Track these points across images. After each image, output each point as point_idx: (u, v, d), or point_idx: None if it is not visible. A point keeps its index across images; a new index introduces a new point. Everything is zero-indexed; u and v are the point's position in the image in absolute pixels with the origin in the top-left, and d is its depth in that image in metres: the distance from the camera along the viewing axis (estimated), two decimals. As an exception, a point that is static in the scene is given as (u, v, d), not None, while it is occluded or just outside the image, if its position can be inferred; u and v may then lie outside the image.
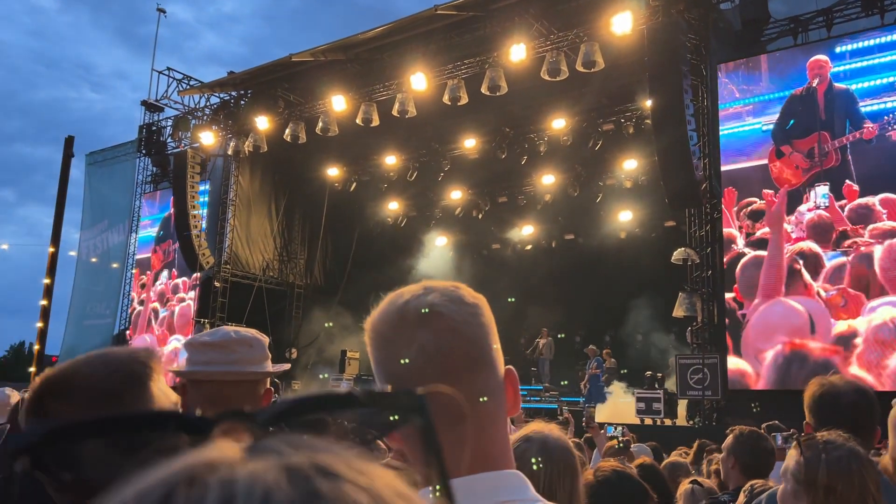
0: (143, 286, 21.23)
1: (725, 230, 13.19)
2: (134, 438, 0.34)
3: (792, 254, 12.80)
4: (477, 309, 0.97)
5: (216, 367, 1.71)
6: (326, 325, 19.01)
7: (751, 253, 13.07)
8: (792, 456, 1.91)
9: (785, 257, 12.80)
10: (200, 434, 0.33)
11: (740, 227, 13.24)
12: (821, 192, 12.99)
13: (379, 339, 0.95)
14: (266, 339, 1.85)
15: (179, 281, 20.30)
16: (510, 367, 1.00)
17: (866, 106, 12.75)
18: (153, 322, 20.52)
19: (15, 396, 3.80)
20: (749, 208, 13.29)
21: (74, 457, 0.35)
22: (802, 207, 12.91)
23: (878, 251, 12.20)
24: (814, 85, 13.15)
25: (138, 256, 21.59)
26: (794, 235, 12.92)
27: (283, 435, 0.32)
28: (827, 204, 12.88)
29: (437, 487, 0.36)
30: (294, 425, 0.34)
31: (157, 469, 0.29)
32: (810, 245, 12.79)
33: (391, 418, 0.38)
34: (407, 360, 0.92)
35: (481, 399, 0.93)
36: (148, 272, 21.28)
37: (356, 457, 0.31)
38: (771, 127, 13.42)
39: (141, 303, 21.11)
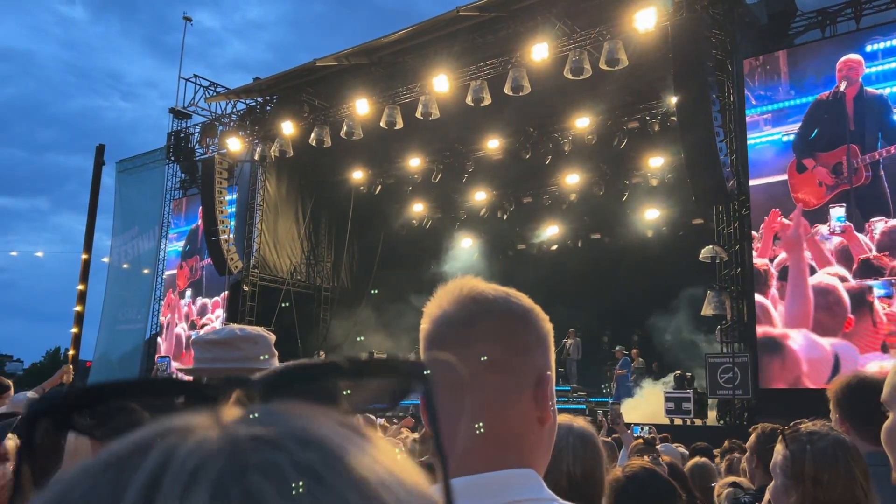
0: (169, 306, 21.29)
1: (759, 261, 12.39)
2: (149, 404, 0.35)
3: (821, 283, 11.69)
4: (522, 301, 0.99)
5: (221, 363, 1.73)
6: (359, 338, 19.10)
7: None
8: (779, 451, 1.90)
9: (810, 285, 11.80)
10: (206, 402, 0.34)
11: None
12: (835, 214, 11.81)
13: (425, 317, 1.01)
14: (272, 337, 1.86)
15: (209, 301, 20.29)
16: (549, 373, 0.97)
17: None
18: (184, 347, 20.30)
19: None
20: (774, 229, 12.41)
21: (94, 419, 0.35)
22: (824, 230, 11.87)
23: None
24: (842, 89, 12.04)
25: (165, 273, 21.79)
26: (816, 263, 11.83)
27: (277, 405, 0.33)
28: (842, 228, 11.74)
29: (435, 456, 0.37)
30: (299, 393, 0.35)
31: (125, 436, 0.30)
32: (839, 270, 11.61)
33: (396, 387, 0.38)
34: (429, 326, 0.97)
35: (490, 371, 0.92)
36: (172, 291, 21.23)
37: (340, 431, 0.31)
38: (792, 137, 12.37)
39: (168, 324, 21.10)
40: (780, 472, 1.88)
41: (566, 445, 2.00)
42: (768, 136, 12.82)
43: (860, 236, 11.64)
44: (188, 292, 20.90)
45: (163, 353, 20.84)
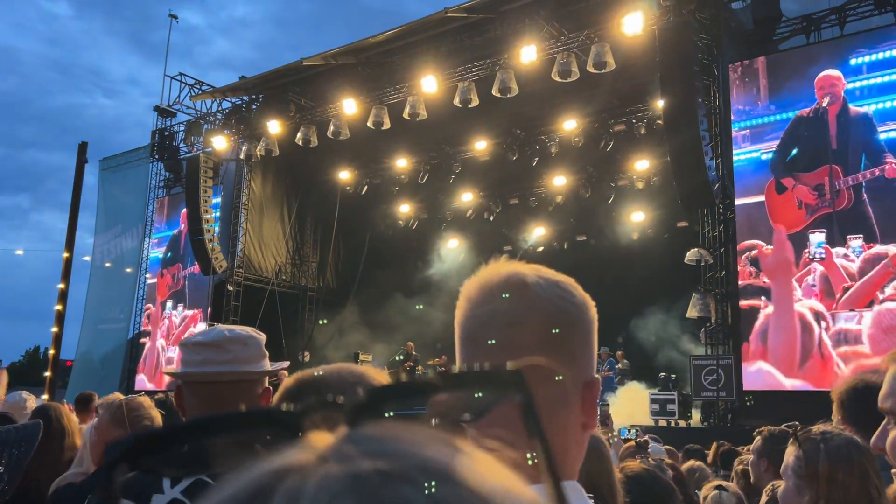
0: (149, 317, 20.80)
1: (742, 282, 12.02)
2: (230, 439, 0.34)
3: (803, 315, 11.16)
4: (573, 296, 0.92)
5: (211, 367, 1.67)
6: (321, 321, 18.83)
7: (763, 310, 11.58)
8: (791, 452, 1.90)
9: (796, 319, 11.27)
10: (290, 430, 0.33)
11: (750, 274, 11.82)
12: (815, 240, 11.33)
13: (464, 297, 0.94)
14: (262, 337, 1.80)
15: (189, 313, 19.85)
16: (596, 377, 0.93)
17: (886, 132, 11.05)
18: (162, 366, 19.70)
19: (31, 401, 3.81)
20: (749, 253, 12.04)
21: (172, 460, 0.35)
22: (807, 256, 11.35)
23: (867, 317, 10.57)
24: (824, 105, 11.56)
25: (147, 273, 21.47)
26: (801, 291, 11.30)
27: (373, 428, 0.32)
28: (823, 255, 11.24)
29: (544, 469, 0.35)
30: (385, 414, 0.34)
31: (228, 481, 0.29)
32: (814, 304, 11.03)
33: (488, 397, 0.37)
34: (476, 322, 0.90)
35: (540, 383, 0.86)
36: (151, 307, 20.71)
37: (449, 452, 0.30)
38: (771, 156, 11.95)
39: (148, 333, 20.59)
40: (793, 474, 1.87)
41: None
42: (746, 153, 12.58)
43: (840, 262, 11.23)
44: (169, 304, 20.57)
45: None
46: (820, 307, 11.32)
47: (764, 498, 2.44)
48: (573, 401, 0.89)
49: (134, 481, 1.34)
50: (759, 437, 3.21)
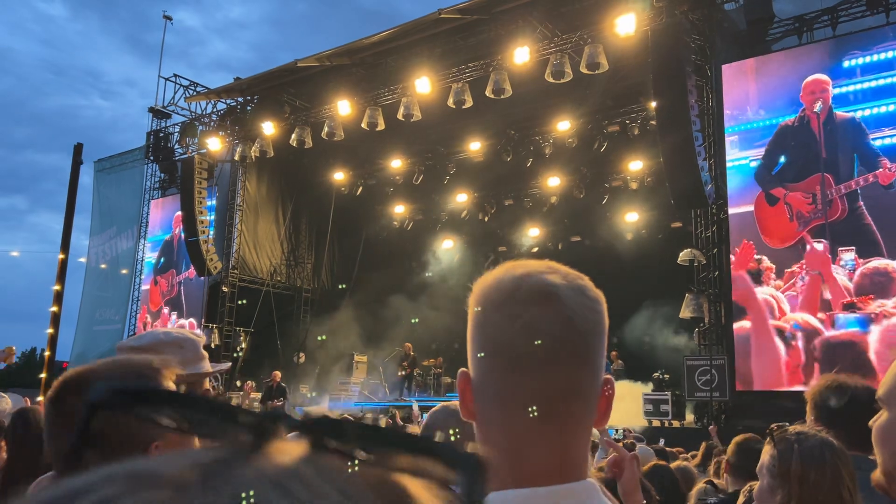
0: (144, 326, 20.68)
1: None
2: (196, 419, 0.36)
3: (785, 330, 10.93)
4: (597, 304, 0.91)
5: None
6: (319, 338, 18.81)
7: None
8: (766, 451, 1.92)
9: (775, 339, 11.11)
10: (257, 433, 0.34)
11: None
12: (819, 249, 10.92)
13: (485, 303, 0.90)
14: (201, 340, 1.81)
15: (185, 322, 19.73)
16: (609, 376, 0.93)
17: (879, 138, 10.69)
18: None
19: (6, 402, 3.72)
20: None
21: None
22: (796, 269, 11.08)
23: (875, 332, 10.17)
24: (814, 111, 11.28)
25: (142, 287, 21.33)
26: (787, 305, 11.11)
27: (318, 458, 0.32)
28: (852, 265, 10.63)
29: None
30: (357, 444, 0.33)
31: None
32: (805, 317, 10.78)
33: (442, 469, 0.34)
34: (508, 335, 0.86)
35: (575, 401, 0.87)
36: (147, 317, 20.51)
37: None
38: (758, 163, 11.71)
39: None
40: (767, 473, 1.89)
41: None
42: (736, 160, 12.49)
43: (838, 277, 10.94)
44: (165, 310, 20.51)
45: None
46: (809, 319, 11.11)
47: (741, 498, 2.46)
48: (595, 409, 0.90)
49: None
50: (732, 444, 3.25)
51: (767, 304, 11.54)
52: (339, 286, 21.88)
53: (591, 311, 0.89)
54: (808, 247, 11.32)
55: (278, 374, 15.50)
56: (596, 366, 0.89)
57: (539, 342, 0.84)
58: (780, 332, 11.30)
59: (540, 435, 0.85)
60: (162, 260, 20.83)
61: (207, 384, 1.81)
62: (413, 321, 18.86)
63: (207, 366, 1.78)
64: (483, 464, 0.33)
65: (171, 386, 1.18)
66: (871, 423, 1.62)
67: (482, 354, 0.88)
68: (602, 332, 0.90)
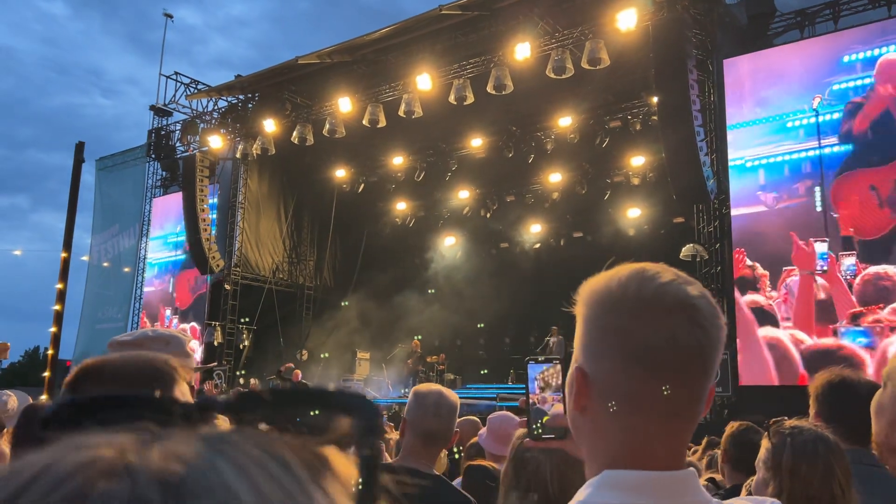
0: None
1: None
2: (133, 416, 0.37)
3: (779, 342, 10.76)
4: (722, 316, 0.96)
5: None
6: (299, 356, 18.73)
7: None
8: (763, 445, 1.94)
9: (765, 351, 11.00)
10: (189, 419, 0.36)
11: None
12: (819, 250, 10.65)
13: (618, 308, 0.93)
14: (187, 338, 1.89)
15: (188, 326, 19.57)
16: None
17: None
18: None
19: (13, 401, 3.72)
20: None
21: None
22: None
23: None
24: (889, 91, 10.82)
25: (156, 288, 21.30)
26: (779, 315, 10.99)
27: (238, 429, 0.34)
28: (824, 267, 10.62)
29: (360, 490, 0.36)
30: (265, 418, 0.36)
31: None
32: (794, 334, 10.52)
33: (326, 418, 0.37)
34: (647, 343, 0.91)
35: (695, 405, 0.94)
36: (167, 313, 20.36)
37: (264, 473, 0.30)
38: (757, 163, 11.68)
39: None
40: (763, 465, 1.91)
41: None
42: (731, 160, 12.52)
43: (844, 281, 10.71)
44: (167, 311, 20.46)
45: None
46: (802, 336, 10.97)
47: (744, 492, 2.47)
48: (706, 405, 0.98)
49: None
50: (726, 431, 3.26)
51: (754, 315, 11.49)
52: (342, 283, 21.89)
53: (720, 322, 0.94)
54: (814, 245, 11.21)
55: (298, 372, 15.48)
56: (715, 372, 0.95)
57: (680, 352, 0.90)
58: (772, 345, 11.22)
59: (663, 433, 0.92)
60: (183, 257, 20.73)
61: (197, 382, 1.87)
62: (430, 291, 18.94)
63: (192, 363, 1.87)
64: (374, 404, 0.36)
65: (185, 387, 1.21)
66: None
67: (616, 358, 0.92)
68: (724, 341, 0.95)
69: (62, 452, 0.30)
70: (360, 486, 0.35)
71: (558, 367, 1.18)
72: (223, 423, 0.37)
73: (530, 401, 1.15)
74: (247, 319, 19.50)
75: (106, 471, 0.29)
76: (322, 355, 19.41)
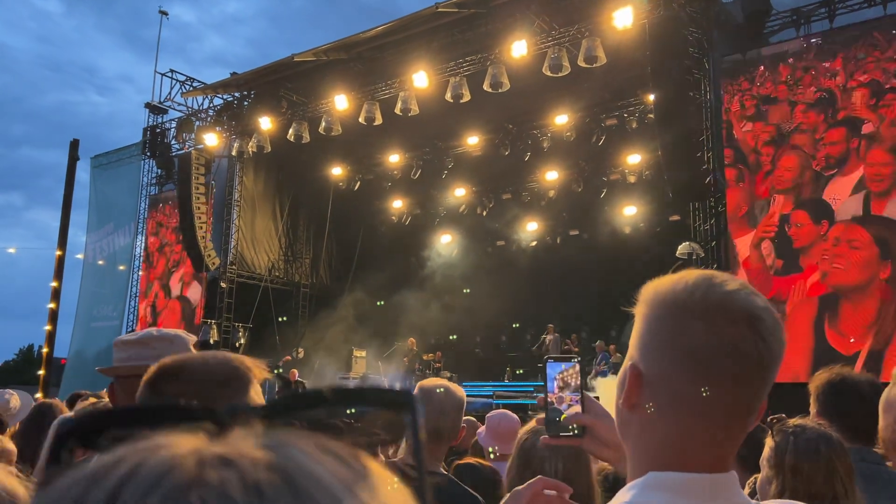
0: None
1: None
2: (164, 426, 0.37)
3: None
4: (783, 328, 0.96)
5: (136, 362, 1.77)
6: (295, 353, 18.60)
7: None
8: (767, 444, 1.95)
9: None
10: (220, 426, 0.36)
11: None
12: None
13: (683, 312, 0.93)
14: (192, 338, 1.91)
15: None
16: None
17: None
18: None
19: (15, 400, 3.68)
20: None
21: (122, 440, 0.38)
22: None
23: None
24: None
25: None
26: None
27: (278, 430, 0.34)
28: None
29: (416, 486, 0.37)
30: (300, 420, 0.36)
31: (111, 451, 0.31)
32: None
33: (386, 415, 0.39)
34: (710, 350, 0.91)
35: (747, 414, 0.95)
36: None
37: (331, 467, 0.31)
38: None
39: None
40: (766, 463, 1.93)
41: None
42: None
43: None
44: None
45: None
46: None
47: (746, 490, 2.47)
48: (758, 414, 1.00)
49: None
50: None
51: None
52: (338, 281, 21.87)
53: (782, 336, 0.94)
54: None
55: (295, 371, 15.47)
56: (771, 384, 0.96)
57: (740, 362, 0.90)
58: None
59: (710, 437, 0.93)
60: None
61: None
62: (426, 289, 18.87)
63: None
64: (415, 398, 0.38)
65: (258, 388, 1.23)
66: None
67: (674, 360, 0.93)
68: (783, 357, 0.95)
69: (143, 450, 0.30)
70: (416, 476, 0.36)
71: (577, 367, 1.20)
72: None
73: (548, 399, 1.17)
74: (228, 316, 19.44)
75: (207, 461, 0.29)
76: (318, 353, 19.39)
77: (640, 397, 0.95)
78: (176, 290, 20.36)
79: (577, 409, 1.16)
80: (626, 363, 0.99)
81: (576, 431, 1.15)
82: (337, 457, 0.32)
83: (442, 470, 2.53)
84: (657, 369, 0.95)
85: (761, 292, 0.99)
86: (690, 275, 0.97)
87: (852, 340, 10.75)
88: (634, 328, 0.99)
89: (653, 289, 0.99)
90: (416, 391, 2.58)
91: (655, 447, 0.94)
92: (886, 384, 1.92)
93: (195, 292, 19.76)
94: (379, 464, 0.34)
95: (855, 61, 11.86)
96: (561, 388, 1.17)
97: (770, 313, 0.93)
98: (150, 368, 1.26)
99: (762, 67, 12.81)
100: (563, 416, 1.16)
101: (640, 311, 0.99)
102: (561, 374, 1.18)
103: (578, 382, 1.18)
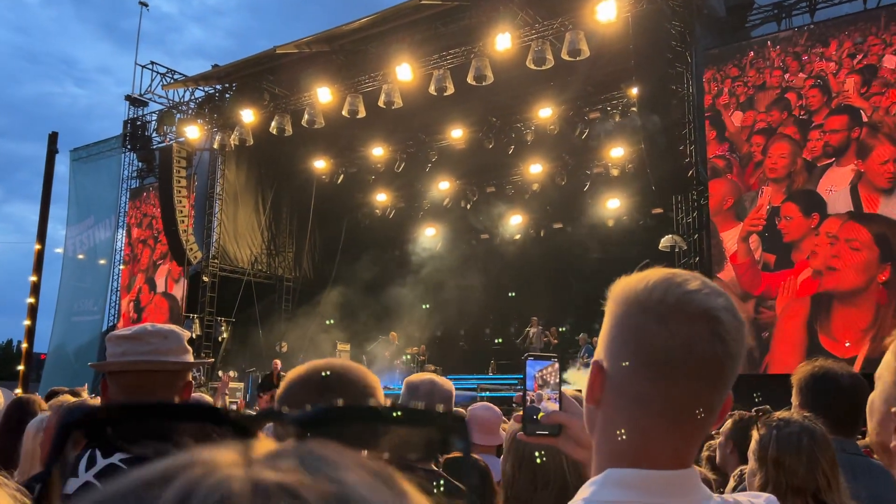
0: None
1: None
2: (183, 427, 0.36)
3: None
4: (745, 328, 0.96)
5: (131, 357, 1.76)
6: (278, 348, 18.46)
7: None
8: (753, 436, 1.97)
9: None
10: (243, 431, 0.35)
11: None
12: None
13: (643, 310, 0.94)
14: (186, 334, 1.88)
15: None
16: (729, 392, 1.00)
17: None
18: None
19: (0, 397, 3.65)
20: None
21: (129, 436, 0.38)
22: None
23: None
24: None
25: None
26: None
27: (311, 445, 0.33)
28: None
29: None
30: (336, 434, 0.35)
31: (154, 462, 0.30)
32: None
33: (434, 438, 0.38)
34: (666, 348, 0.92)
35: (705, 413, 0.94)
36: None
37: (373, 486, 0.30)
38: None
39: None
40: (751, 456, 1.95)
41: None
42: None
43: None
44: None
45: None
46: None
47: (731, 483, 2.49)
48: (718, 414, 0.99)
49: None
50: (729, 420, 3.28)
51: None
52: (321, 275, 21.79)
53: (742, 335, 0.94)
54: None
55: (278, 362, 15.35)
56: (731, 384, 0.96)
57: (696, 361, 0.91)
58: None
59: (668, 434, 0.93)
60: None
61: (190, 376, 1.87)
62: (424, 306, 18.94)
63: (190, 358, 1.84)
64: (466, 422, 0.37)
65: (382, 396, 1.28)
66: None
67: (632, 358, 0.94)
68: (744, 354, 0.96)
69: (190, 468, 0.29)
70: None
71: (556, 365, 1.20)
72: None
73: (526, 397, 1.17)
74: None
75: (270, 491, 0.28)
76: (301, 347, 19.33)
77: (602, 394, 0.97)
78: (161, 286, 20.18)
79: (555, 406, 1.17)
80: (594, 359, 1.01)
81: (552, 430, 1.16)
82: (382, 479, 0.31)
83: (431, 467, 2.53)
84: (617, 367, 0.96)
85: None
86: (653, 274, 0.97)
87: (847, 345, 10.49)
88: (603, 325, 1.01)
89: (620, 287, 0.99)
90: (403, 386, 2.59)
91: (615, 444, 0.95)
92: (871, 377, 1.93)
93: (181, 289, 19.61)
94: (412, 484, 0.34)
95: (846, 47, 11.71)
96: (540, 386, 1.17)
97: (730, 313, 0.93)
98: (287, 376, 1.35)
99: (752, 53, 12.72)
100: (540, 415, 1.16)
101: (608, 309, 1.00)
102: (541, 372, 1.18)
103: (557, 380, 1.19)
